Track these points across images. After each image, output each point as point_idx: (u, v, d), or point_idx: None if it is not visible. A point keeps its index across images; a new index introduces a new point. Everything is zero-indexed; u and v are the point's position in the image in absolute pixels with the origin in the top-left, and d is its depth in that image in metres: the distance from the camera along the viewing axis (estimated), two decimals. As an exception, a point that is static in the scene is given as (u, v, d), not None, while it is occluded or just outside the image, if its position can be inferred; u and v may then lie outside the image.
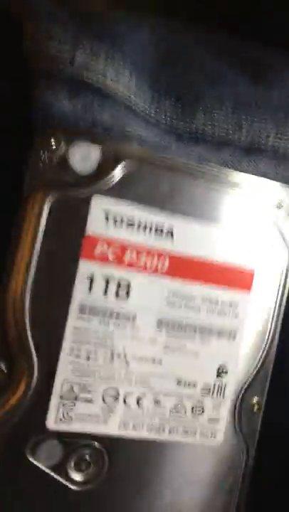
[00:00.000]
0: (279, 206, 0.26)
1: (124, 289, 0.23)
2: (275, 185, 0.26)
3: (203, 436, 0.25)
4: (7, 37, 0.24)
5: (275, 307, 0.25)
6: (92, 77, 0.24)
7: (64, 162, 0.23)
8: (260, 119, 0.28)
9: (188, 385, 0.24)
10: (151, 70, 0.26)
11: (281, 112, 0.28)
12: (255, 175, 0.26)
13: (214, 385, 0.25)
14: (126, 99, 0.25)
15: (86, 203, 0.23)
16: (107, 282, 0.23)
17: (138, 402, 0.24)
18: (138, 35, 0.26)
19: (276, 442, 0.27)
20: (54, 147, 0.23)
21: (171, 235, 0.24)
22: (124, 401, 0.24)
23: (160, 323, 0.24)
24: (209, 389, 0.25)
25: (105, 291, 0.23)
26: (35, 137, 0.23)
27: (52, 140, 0.22)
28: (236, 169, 0.27)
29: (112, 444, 0.24)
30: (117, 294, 0.23)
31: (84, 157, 0.23)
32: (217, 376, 0.25)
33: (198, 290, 0.24)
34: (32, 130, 0.23)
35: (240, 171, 0.26)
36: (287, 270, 0.25)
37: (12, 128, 0.24)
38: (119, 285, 0.23)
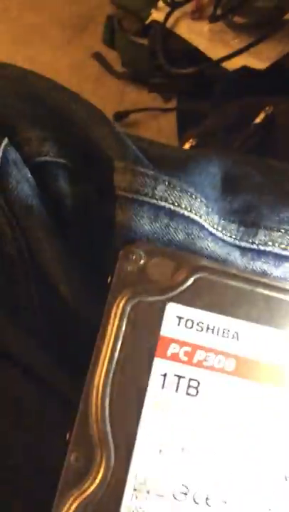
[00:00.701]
0: None
1: (193, 387, 0.25)
2: None
3: None
4: (99, 169, 0.30)
5: None
6: (170, 206, 0.28)
7: (143, 273, 0.26)
8: None
9: (258, 488, 0.25)
10: (217, 198, 0.31)
11: None
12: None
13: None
14: (196, 223, 0.29)
15: (161, 308, 0.26)
16: (179, 380, 0.25)
17: (206, 501, 0.25)
18: (207, 171, 0.31)
19: None
20: (135, 260, 0.27)
21: (237, 338, 0.26)
22: (194, 498, 0.25)
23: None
24: (276, 496, 0.25)
25: (176, 388, 0.25)
26: (118, 251, 0.27)
27: (133, 254, 0.26)
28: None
29: None
30: (187, 391, 0.25)
31: (160, 269, 0.27)
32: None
33: (263, 391, 0.26)
34: (115, 244, 0.28)
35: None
36: None
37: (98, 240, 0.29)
38: (189, 383, 0.25)
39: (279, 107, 0.71)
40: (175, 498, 0.25)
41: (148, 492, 0.24)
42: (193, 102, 0.85)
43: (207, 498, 0.25)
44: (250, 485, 0.25)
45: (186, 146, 0.74)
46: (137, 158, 0.29)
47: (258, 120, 0.70)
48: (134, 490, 0.24)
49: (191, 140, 0.74)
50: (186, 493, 0.25)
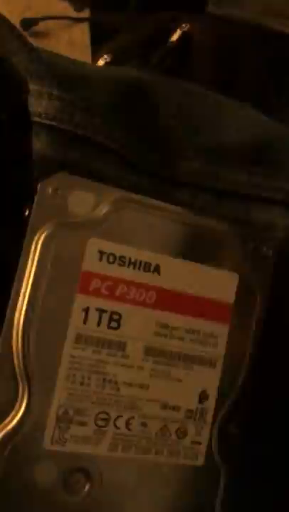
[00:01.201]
0: (251, 248, 0.29)
1: (115, 320, 0.26)
2: (247, 229, 0.29)
3: (187, 458, 0.27)
4: (10, 91, 0.27)
5: (251, 338, 0.28)
6: (88, 134, 0.27)
7: (63, 207, 0.25)
8: (234, 168, 0.31)
9: (173, 409, 0.27)
10: (136, 125, 0.30)
11: (251, 162, 0.32)
12: (229, 218, 0.30)
13: (196, 409, 0.27)
14: (115, 152, 0.28)
15: (83, 243, 0.25)
16: (100, 314, 0.25)
17: (127, 425, 0.26)
18: (111, 87, 0.30)
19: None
20: (54, 193, 0.25)
21: (158, 271, 0.26)
22: (115, 424, 0.26)
23: (148, 351, 0.26)
24: (192, 413, 0.27)
25: (98, 323, 0.25)
26: (36, 183, 0.25)
27: (52, 187, 0.25)
28: (212, 213, 0.30)
29: (103, 465, 0.26)
30: (109, 325, 0.26)
31: (81, 203, 0.26)
32: (199, 402, 0.27)
33: (182, 321, 0.27)
34: (32, 176, 0.26)
35: (216, 214, 0.30)
36: (259, 305, 0.28)
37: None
38: (111, 316, 0.26)
39: (195, 24, 0.68)
40: (97, 425, 0.25)
41: (71, 422, 0.25)
42: (108, 14, 0.80)
43: (127, 423, 0.26)
44: (169, 408, 0.27)
45: (101, 61, 0.70)
46: (54, 78, 0.27)
47: (174, 38, 0.68)
48: (57, 421, 0.25)
49: (105, 56, 0.70)
50: (107, 420, 0.26)
